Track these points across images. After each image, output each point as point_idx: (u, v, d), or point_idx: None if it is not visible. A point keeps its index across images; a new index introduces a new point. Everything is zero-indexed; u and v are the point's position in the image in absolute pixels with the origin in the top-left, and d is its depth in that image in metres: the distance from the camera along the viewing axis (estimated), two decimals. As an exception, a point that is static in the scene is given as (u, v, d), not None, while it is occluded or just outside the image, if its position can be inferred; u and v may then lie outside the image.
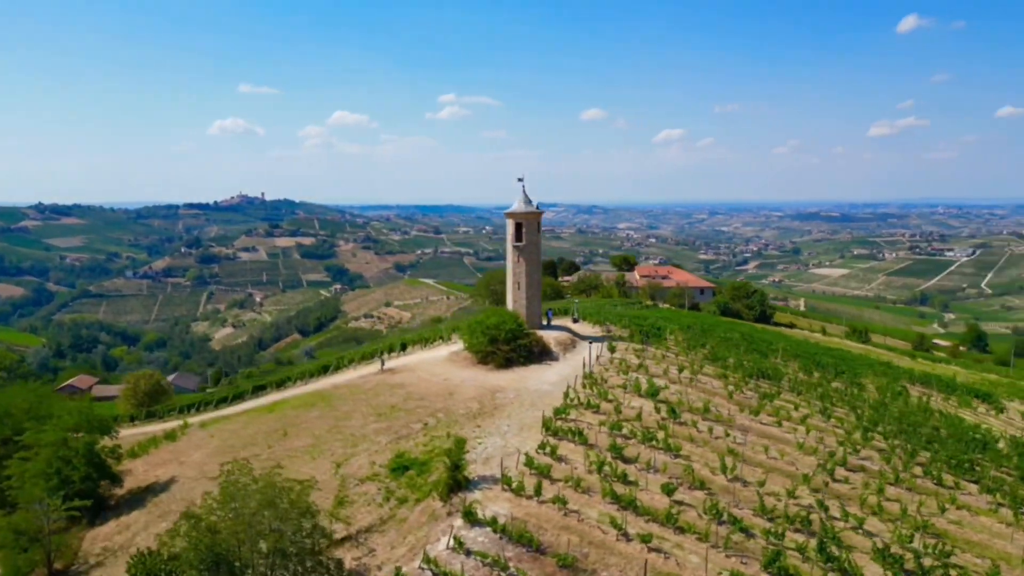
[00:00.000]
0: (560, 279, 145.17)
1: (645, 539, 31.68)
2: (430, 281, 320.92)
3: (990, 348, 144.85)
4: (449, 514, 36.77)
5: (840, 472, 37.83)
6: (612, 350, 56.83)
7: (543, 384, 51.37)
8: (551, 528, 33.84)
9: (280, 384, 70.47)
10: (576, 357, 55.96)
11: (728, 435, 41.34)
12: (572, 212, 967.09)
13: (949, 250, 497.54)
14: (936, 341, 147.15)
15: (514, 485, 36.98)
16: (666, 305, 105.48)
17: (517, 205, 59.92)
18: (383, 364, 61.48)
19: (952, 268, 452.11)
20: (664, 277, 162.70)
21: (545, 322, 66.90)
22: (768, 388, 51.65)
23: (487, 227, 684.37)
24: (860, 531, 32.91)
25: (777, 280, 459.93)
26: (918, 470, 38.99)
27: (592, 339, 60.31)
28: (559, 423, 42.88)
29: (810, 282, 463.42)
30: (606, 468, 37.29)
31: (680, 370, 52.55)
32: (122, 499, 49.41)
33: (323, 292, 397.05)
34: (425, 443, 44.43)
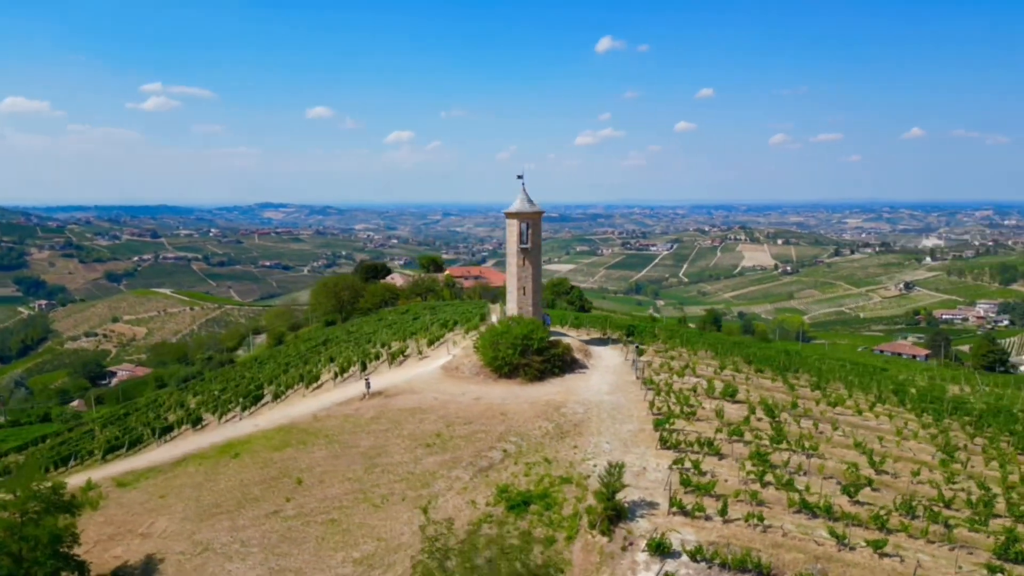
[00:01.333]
0: (385, 282, 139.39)
1: (877, 545, 31.04)
2: (166, 291, 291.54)
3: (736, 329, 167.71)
4: (624, 549, 33.10)
5: (959, 455, 40.26)
6: (641, 353, 55.41)
7: (599, 395, 48.41)
8: (763, 548, 31.85)
9: (196, 424, 58.38)
10: (602, 363, 53.79)
11: (836, 428, 42.11)
12: (305, 213, 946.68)
13: (652, 246, 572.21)
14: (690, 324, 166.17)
15: (689, 507, 34.40)
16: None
17: (519, 204, 55.82)
18: (368, 387, 53.81)
19: (656, 261, 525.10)
20: (477, 277, 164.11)
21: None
22: (807, 382, 53.15)
23: (213, 229, 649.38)
24: None
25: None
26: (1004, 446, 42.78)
27: (591, 343, 58.29)
28: (665, 434, 40.82)
29: (545, 277, 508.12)
30: (769, 476, 36.11)
31: (721, 369, 52.65)
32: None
33: (22, 309, 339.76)
34: (524, 472, 39.59)
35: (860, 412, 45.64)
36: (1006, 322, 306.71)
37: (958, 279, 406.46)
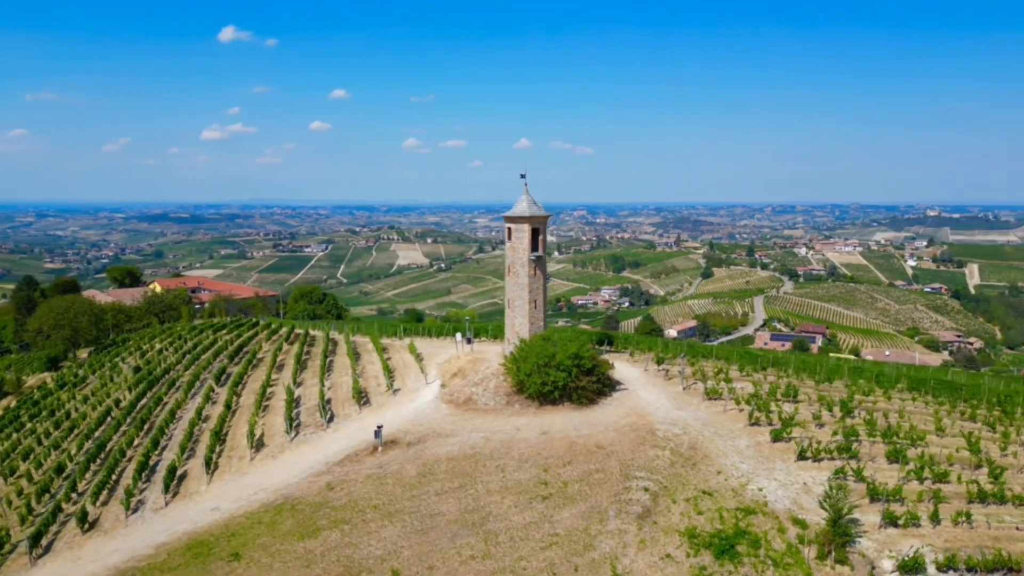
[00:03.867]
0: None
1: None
2: None
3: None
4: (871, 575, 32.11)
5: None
6: (659, 362, 52.80)
7: (671, 412, 45.38)
8: (991, 544, 33.26)
9: (84, 521, 40.25)
10: (623, 376, 50.48)
11: (902, 417, 45.34)
12: None
13: (307, 247, 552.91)
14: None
15: (901, 520, 34.29)
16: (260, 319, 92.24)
17: (525, 206, 49.23)
18: (380, 438, 42.70)
19: (313, 263, 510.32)
20: (197, 290, 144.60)
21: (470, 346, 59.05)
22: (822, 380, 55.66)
23: None
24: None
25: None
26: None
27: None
28: (787, 444, 40.15)
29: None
30: (926, 472, 37.62)
31: (752, 372, 53.14)
32: None
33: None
34: (695, 510, 35.53)
35: (889, 399, 49.84)
36: (627, 304, 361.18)
37: (582, 269, 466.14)
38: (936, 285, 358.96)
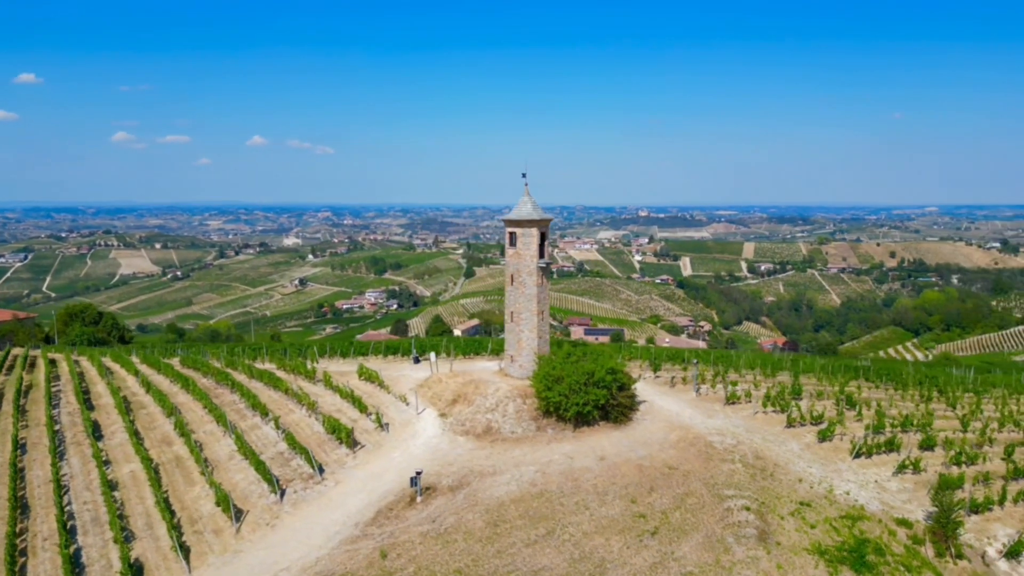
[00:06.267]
0: None
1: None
2: None
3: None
4: (988, 565, 33.51)
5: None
6: (656, 369, 50.05)
7: (706, 421, 44.03)
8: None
9: None
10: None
11: (892, 406, 48.06)
12: None
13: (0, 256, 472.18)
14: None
15: (980, 506, 36.11)
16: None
17: (530, 208, 43.92)
18: (418, 485, 34.91)
19: (8, 275, 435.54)
20: None
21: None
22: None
23: None
24: None
25: None
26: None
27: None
28: (834, 443, 40.66)
29: None
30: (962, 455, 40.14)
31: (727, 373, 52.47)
32: None
33: None
34: (808, 524, 34.31)
35: (861, 390, 52.72)
36: (395, 306, 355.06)
37: (341, 273, 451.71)
38: (665, 276, 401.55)
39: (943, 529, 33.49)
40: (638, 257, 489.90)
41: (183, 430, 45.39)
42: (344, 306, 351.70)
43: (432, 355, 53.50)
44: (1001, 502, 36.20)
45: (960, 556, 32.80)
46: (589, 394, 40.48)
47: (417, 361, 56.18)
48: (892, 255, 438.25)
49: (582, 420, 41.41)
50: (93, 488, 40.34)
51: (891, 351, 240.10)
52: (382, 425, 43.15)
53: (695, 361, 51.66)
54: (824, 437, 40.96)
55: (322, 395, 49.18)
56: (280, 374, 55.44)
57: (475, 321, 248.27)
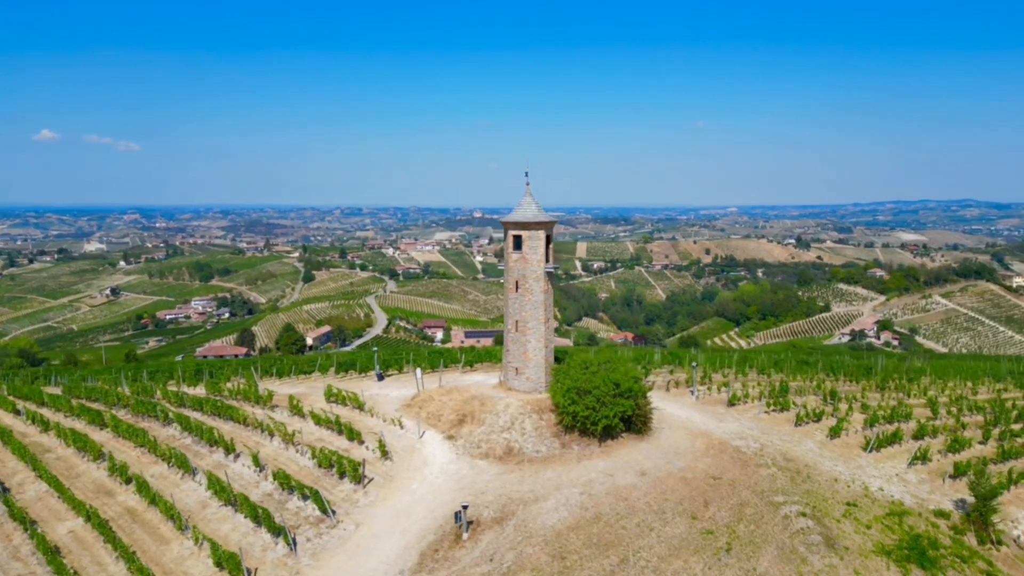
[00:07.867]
0: None
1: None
2: None
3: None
4: None
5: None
6: (647, 373, 48.01)
7: (720, 426, 43.39)
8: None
9: None
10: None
11: (866, 395, 49.79)
12: None
13: None
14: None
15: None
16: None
17: (535, 209, 40.38)
18: (463, 521, 30.43)
19: None
20: None
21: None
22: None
23: None
24: None
25: None
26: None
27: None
28: (843, 439, 41.19)
29: None
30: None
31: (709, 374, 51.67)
32: None
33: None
34: (864, 524, 34.38)
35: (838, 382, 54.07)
36: (227, 314, 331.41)
37: (161, 280, 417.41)
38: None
39: (982, 518, 34.41)
40: (479, 258, 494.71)
41: (124, 476, 37.75)
42: (167, 316, 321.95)
43: (418, 371, 48.46)
44: (1008, 486, 37.92)
45: (1000, 543, 33.84)
46: (617, 405, 38.09)
47: (381, 378, 50.86)
48: (707, 252, 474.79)
49: (606, 433, 38.89)
50: (23, 557, 32.46)
51: (717, 340, 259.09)
52: (385, 454, 38.02)
53: (694, 364, 50.73)
54: (835, 434, 41.35)
55: (291, 423, 42.83)
56: (226, 400, 47.91)
57: (326, 328, 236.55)
